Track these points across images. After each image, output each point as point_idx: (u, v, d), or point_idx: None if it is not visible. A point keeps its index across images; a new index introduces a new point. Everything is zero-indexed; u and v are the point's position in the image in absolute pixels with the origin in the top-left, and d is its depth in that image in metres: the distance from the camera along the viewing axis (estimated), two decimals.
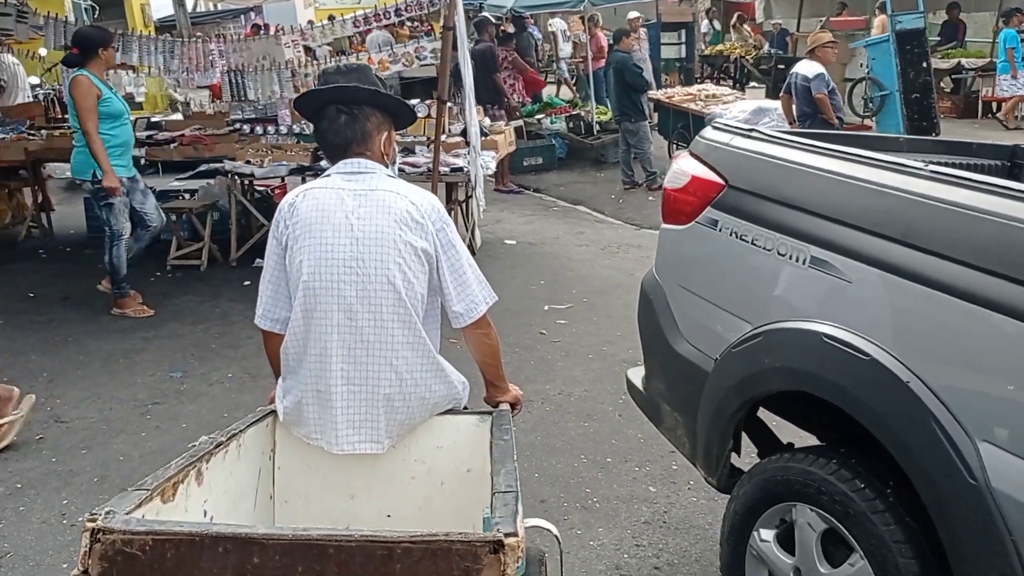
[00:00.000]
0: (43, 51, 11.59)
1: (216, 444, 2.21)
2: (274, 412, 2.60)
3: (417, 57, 8.32)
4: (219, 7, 31.03)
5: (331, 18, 8.80)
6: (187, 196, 8.50)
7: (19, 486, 3.78)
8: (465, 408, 2.67)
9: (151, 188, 9.08)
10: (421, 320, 2.47)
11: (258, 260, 7.37)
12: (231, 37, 9.83)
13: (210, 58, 8.49)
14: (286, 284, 2.51)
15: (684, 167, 2.80)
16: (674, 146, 11.42)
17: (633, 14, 14.25)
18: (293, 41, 8.57)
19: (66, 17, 8.94)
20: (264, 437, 2.58)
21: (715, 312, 2.61)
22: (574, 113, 13.11)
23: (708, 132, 2.84)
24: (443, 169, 7.18)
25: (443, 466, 2.62)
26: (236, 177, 7.53)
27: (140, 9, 18.79)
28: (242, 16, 30.90)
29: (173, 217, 7.38)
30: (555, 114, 13.14)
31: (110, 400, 4.68)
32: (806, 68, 8.54)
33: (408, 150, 7.84)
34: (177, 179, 11.03)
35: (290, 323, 2.47)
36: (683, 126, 11.14)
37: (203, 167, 9.72)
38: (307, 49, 8.87)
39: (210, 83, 8.87)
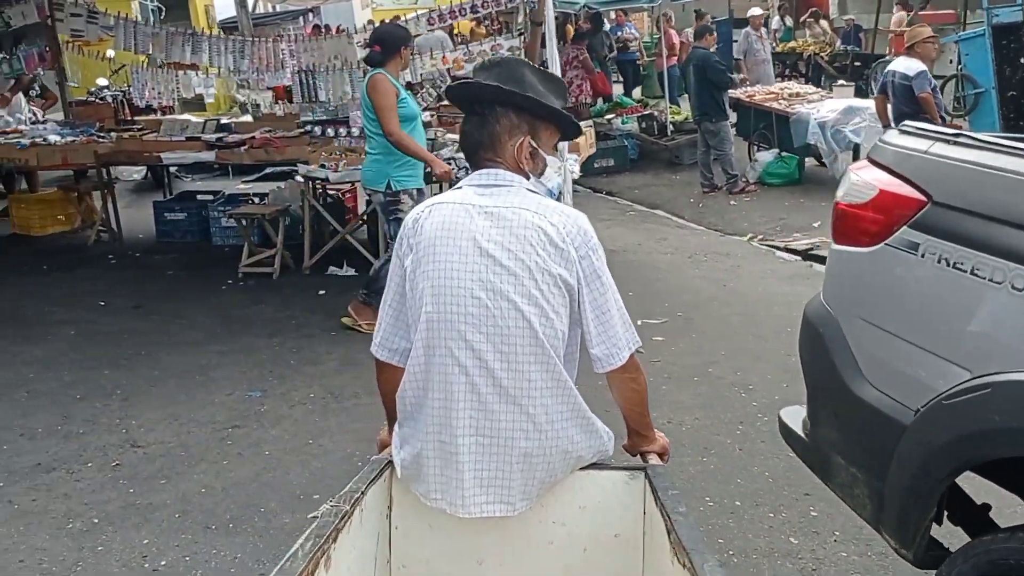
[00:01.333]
0: (111, 52, 11.52)
1: (343, 516, 1.85)
2: (390, 464, 2.24)
3: (493, 56, 7.98)
4: (278, 8, 31.25)
5: (396, 18, 8.52)
6: (256, 200, 8.28)
7: (96, 521, 3.49)
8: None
9: (220, 192, 8.94)
10: (562, 361, 2.10)
11: (332, 268, 7.11)
12: (302, 37, 9.62)
13: (281, 58, 8.28)
14: (408, 312, 2.16)
15: (868, 179, 2.37)
16: (754, 147, 10.90)
17: (755, 11, 13.68)
18: (365, 40, 8.28)
19: (136, 18, 8.80)
20: (381, 495, 2.23)
21: (915, 353, 2.18)
22: (646, 113, 12.65)
23: (895, 137, 2.41)
24: None
25: (586, 529, 2.24)
26: (309, 181, 7.25)
27: (204, 10, 18.79)
28: (301, 17, 31.15)
29: (244, 223, 7.13)
30: (626, 114, 12.70)
31: (187, 422, 4.38)
32: (905, 66, 8.00)
33: None
34: (243, 182, 10.88)
35: (409, 361, 2.11)
36: (765, 126, 10.61)
37: (269, 169, 9.50)
38: None
39: (280, 84, 8.61)
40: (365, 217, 7.51)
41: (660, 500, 2.03)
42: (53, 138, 8.07)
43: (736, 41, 14.40)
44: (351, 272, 7.03)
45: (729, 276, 7.01)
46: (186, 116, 9.30)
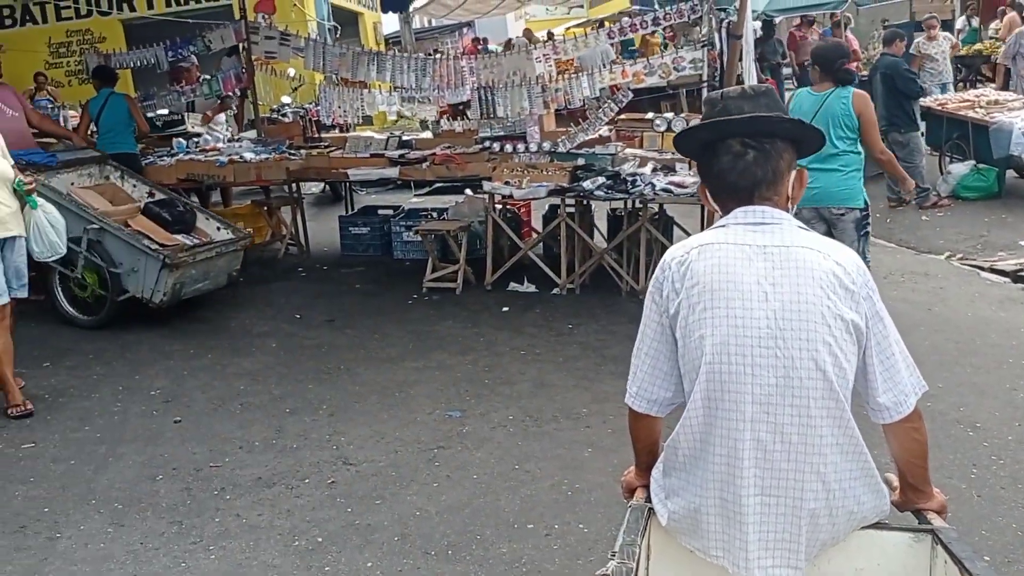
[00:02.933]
0: (292, 71, 12.06)
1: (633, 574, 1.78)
2: (651, 512, 2.15)
3: (675, 68, 7.80)
4: (433, 23, 32.27)
5: (582, 27, 8.50)
6: (434, 215, 8.43)
7: (320, 540, 3.57)
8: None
9: (400, 207, 9.17)
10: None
11: (513, 284, 7.13)
12: (482, 53, 9.76)
13: (460, 75, 8.39)
14: (667, 359, 2.05)
15: None
16: (947, 159, 10.22)
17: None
18: (544, 56, 8.29)
19: (324, 40, 9.17)
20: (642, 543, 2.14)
21: None
22: None
23: None
24: None
25: None
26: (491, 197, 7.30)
27: (372, 27, 19.47)
28: (457, 32, 32.02)
29: (432, 237, 7.26)
30: None
31: (394, 441, 4.45)
32: None
33: (668, 168, 7.34)
34: (416, 195, 11.16)
35: (686, 412, 2.00)
36: (959, 136, 9.93)
37: (438, 183, 9.66)
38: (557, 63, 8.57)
39: (460, 100, 8.74)
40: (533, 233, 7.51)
41: (969, 572, 1.84)
42: (248, 155, 8.47)
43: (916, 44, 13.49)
44: (532, 288, 7.04)
45: (933, 299, 6.57)
46: (369, 133, 9.60)
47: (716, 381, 1.93)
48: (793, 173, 2.03)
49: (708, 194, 2.12)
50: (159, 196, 7.25)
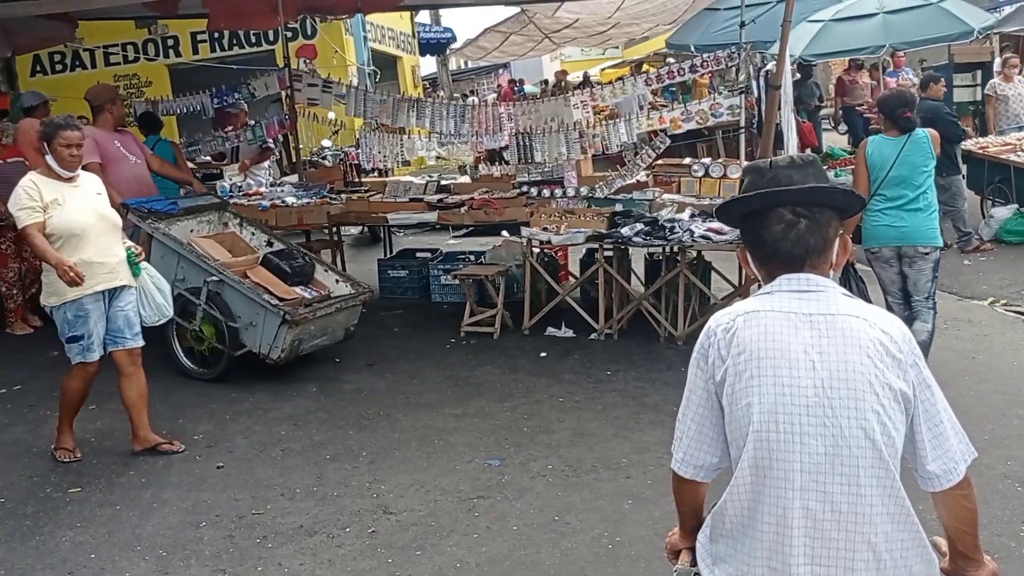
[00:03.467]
0: (332, 114, 12.29)
1: None
2: (696, 575, 2.15)
3: (712, 114, 7.86)
4: (469, 65, 32.75)
5: (621, 78, 8.59)
6: (471, 258, 8.49)
7: None
8: None
9: (438, 250, 9.26)
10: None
11: (550, 329, 7.14)
12: (518, 97, 9.89)
13: (499, 121, 8.50)
14: (712, 425, 2.06)
15: None
16: (988, 202, 10.12)
17: None
18: (583, 102, 8.39)
19: (366, 86, 9.35)
20: None
21: None
22: None
23: None
24: None
25: None
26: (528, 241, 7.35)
27: (411, 70, 19.77)
28: (492, 73, 32.44)
29: (470, 281, 7.32)
30: (838, 167, 12.14)
31: (433, 490, 4.46)
32: None
33: (706, 214, 7.34)
34: (453, 237, 11.25)
35: (734, 480, 2.01)
36: (1001, 180, 9.85)
37: (472, 226, 9.73)
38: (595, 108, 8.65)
39: (498, 146, 8.86)
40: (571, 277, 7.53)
41: None
42: (290, 200, 8.61)
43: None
44: (569, 333, 7.04)
45: (977, 347, 6.48)
46: (408, 177, 9.73)
47: (764, 449, 1.94)
48: (838, 240, 2.07)
49: (751, 259, 2.14)
50: (278, 246, 7.05)
